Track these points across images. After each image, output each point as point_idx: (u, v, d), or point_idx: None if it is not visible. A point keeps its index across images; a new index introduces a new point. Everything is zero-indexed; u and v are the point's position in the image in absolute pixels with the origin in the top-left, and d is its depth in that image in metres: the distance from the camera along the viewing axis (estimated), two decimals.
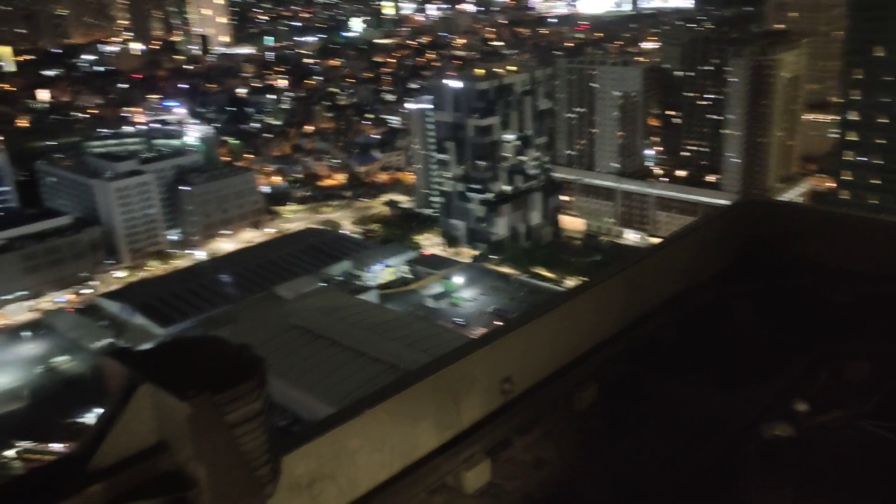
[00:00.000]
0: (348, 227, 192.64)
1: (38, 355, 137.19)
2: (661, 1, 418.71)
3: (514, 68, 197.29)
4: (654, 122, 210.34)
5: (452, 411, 11.61)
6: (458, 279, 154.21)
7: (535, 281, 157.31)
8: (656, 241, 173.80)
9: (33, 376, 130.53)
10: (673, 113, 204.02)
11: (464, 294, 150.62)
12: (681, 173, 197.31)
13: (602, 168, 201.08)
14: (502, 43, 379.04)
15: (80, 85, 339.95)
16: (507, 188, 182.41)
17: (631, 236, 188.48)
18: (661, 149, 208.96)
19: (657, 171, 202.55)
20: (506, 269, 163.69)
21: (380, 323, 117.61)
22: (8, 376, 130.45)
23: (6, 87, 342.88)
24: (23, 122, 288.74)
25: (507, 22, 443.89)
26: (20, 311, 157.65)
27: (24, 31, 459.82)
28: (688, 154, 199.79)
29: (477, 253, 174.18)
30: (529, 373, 12.99)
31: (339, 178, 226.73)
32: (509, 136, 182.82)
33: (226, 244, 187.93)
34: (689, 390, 13.37)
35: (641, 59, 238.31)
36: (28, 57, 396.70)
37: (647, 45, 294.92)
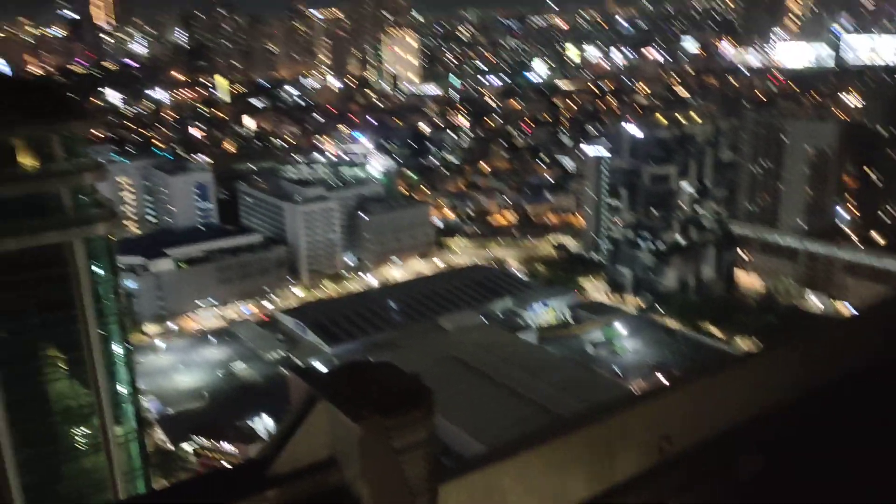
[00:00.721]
0: (514, 266, 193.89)
1: (221, 360, 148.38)
2: (868, 57, 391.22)
3: (698, 118, 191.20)
4: (848, 182, 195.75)
5: (606, 464, 11.54)
6: (620, 328, 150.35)
7: (702, 338, 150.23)
8: (842, 307, 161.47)
9: (214, 379, 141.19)
10: (872, 173, 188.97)
11: (625, 344, 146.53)
12: (877, 237, 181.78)
13: (785, 226, 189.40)
14: (687, 92, 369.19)
15: (282, 115, 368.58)
16: (680, 239, 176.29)
17: (813, 301, 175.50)
18: (855, 210, 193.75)
19: (849, 233, 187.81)
20: (672, 323, 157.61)
21: (536, 364, 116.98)
22: (193, 376, 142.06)
23: (220, 114, 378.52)
24: (230, 147, 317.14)
25: (694, 71, 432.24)
26: (210, 318, 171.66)
27: (240, 64, 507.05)
28: (886, 218, 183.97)
29: (642, 303, 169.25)
30: (690, 433, 12.64)
31: (510, 217, 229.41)
32: (686, 187, 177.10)
33: (396, 272, 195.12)
34: (868, 469, 12.45)
35: (839, 114, 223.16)
36: (240, 88, 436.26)
37: (848, 101, 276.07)
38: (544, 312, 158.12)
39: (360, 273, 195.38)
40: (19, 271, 52.80)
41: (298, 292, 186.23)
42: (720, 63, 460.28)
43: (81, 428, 59.05)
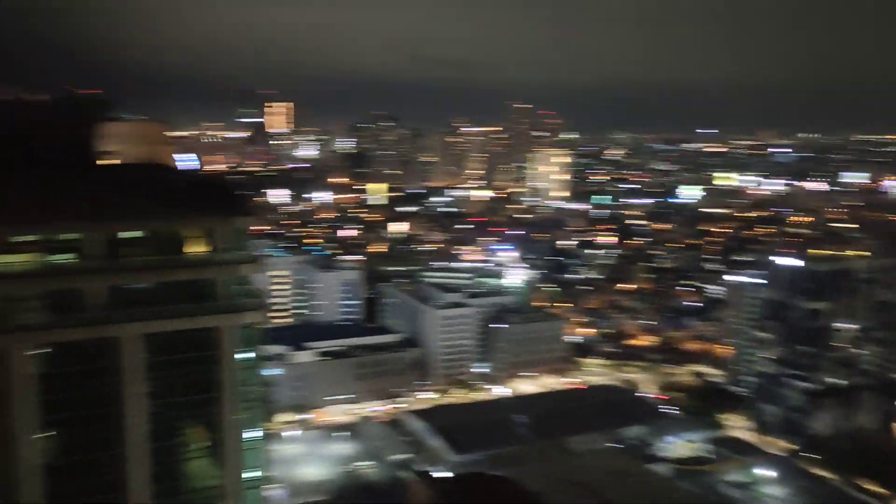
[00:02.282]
0: (649, 391, 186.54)
1: (346, 456, 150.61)
2: None
3: (856, 253, 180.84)
4: None
5: None
6: (763, 471, 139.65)
7: (857, 494, 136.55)
8: None
9: (338, 474, 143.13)
10: None
11: (769, 489, 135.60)
12: None
13: None
14: (845, 226, 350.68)
15: (431, 221, 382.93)
16: (835, 381, 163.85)
17: None
18: None
19: None
20: (822, 472, 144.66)
21: (668, 500, 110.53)
22: (317, 469, 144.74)
23: (373, 217, 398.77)
24: (381, 248, 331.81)
25: (854, 205, 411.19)
26: (340, 413, 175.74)
27: (396, 172, 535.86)
28: None
29: (790, 446, 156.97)
30: None
31: (648, 340, 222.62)
32: (843, 325, 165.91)
33: (526, 385, 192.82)
34: None
35: None
36: (396, 194, 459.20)
37: None
38: (680, 445, 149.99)
39: (490, 383, 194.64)
40: (173, 351, 57.50)
41: (428, 396, 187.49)
42: (883, 198, 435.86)
43: None
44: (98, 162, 63.88)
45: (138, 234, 56.25)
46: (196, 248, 57.33)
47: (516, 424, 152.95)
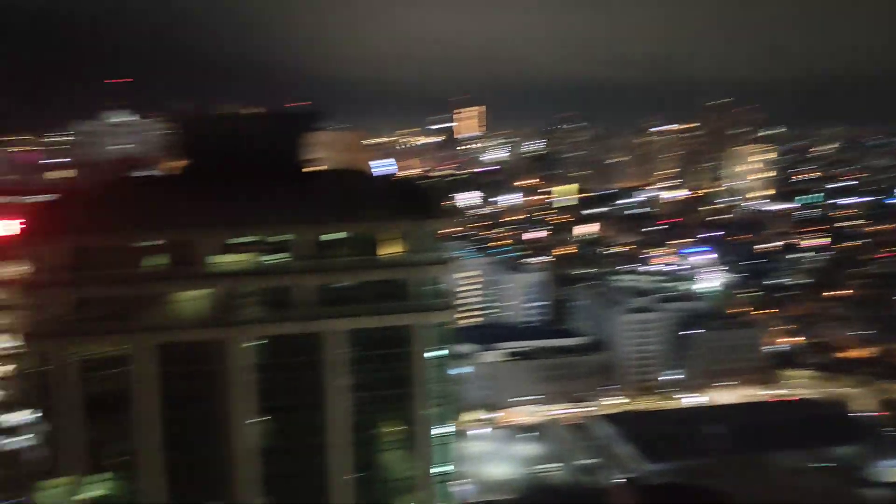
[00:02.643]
0: (864, 408, 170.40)
1: (532, 457, 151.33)
2: None
3: None
4: None
5: None
6: None
7: None
8: None
9: (524, 475, 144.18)
10: None
11: None
12: None
13: None
14: None
15: (622, 223, 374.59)
16: None
17: None
18: None
19: None
20: None
21: None
22: (504, 468, 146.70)
23: (562, 218, 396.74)
24: (569, 249, 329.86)
25: None
26: (527, 414, 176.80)
27: (587, 173, 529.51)
28: None
29: None
30: None
31: (863, 352, 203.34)
32: None
33: (720, 395, 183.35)
34: None
35: None
36: (585, 195, 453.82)
37: None
38: None
39: (680, 391, 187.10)
40: (371, 347, 61.02)
41: (615, 401, 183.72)
42: None
43: (404, 499, 64.71)
44: (306, 169, 69.12)
45: (341, 235, 60.30)
46: (393, 250, 60.47)
47: (710, 436, 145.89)
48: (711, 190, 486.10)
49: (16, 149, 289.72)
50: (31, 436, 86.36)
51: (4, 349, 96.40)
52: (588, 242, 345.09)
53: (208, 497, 60.59)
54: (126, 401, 57.21)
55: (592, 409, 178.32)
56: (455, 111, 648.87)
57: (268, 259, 59.28)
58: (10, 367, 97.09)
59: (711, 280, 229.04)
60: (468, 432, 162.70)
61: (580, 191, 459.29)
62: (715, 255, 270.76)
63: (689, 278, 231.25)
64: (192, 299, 58.38)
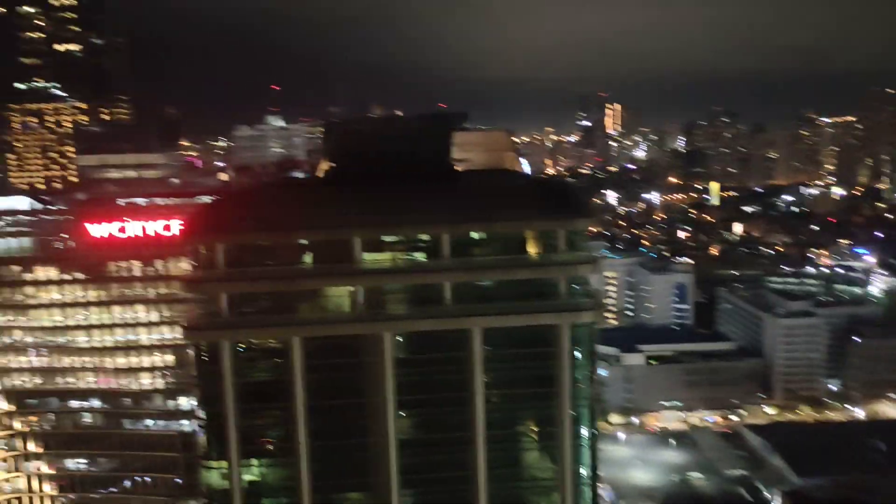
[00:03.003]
0: None
1: (677, 464, 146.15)
2: None
3: None
4: None
5: None
6: None
7: None
8: None
9: (667, 482, 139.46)
10: None
11: None
12: None
13: None
14: None
15: (773, 223, 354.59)
16: None
17: None
18: None
19: None
20: None
21: None
22: (646, 474, 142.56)
23: (708, 218, 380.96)
24: (714, 251, 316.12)
25: None
26: (671, 419, 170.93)
27: (734, 171, 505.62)
28: None
29: None
30: None
31: None
32: None
33: (882, 408, 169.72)
34: None
35: None
36: (731, 193, 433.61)
37: None
38: None
39: (844, 402, 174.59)
40: (514, 346, 60.83)
41: (769, 411, 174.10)
42: None
43: (542, 499, 64.10)
44: (453, 169, 69.84)
45: (488, 234, 60.45)
46: (538, 249, 59.94)
47: (871, 450, 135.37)
48: (878, 186, 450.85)
49: (183, 153, 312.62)
50: (195, 421, 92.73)
51: (169, 340, 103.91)
52: (736, 243, 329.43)
53: (353, 484, 62.62)
54: (279, 391, 59.94)
55: (740, 417, 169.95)
56: (596, 109, 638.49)
57: (416, 257, 60.34)
58: (173, 357, 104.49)
59: (874, 284, 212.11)
60: (609, 436, 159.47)
61: (728, 188, 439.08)
62: (878, 257, 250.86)
63: (853, 281, 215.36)
64: (342, 295, 60.35)
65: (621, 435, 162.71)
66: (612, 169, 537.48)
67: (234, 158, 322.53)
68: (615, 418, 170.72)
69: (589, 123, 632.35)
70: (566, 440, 61.11)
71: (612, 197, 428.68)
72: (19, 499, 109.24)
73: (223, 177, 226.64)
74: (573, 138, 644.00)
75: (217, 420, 60.17)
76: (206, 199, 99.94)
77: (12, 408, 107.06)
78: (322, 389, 59.83)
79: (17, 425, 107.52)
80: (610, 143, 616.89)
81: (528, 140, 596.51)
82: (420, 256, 60.53)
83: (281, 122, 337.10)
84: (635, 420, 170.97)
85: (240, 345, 60.22)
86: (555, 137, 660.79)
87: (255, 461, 61.71)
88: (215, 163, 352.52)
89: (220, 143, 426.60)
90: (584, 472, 62.87)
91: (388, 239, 60.63)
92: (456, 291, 59.26)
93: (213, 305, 59.67)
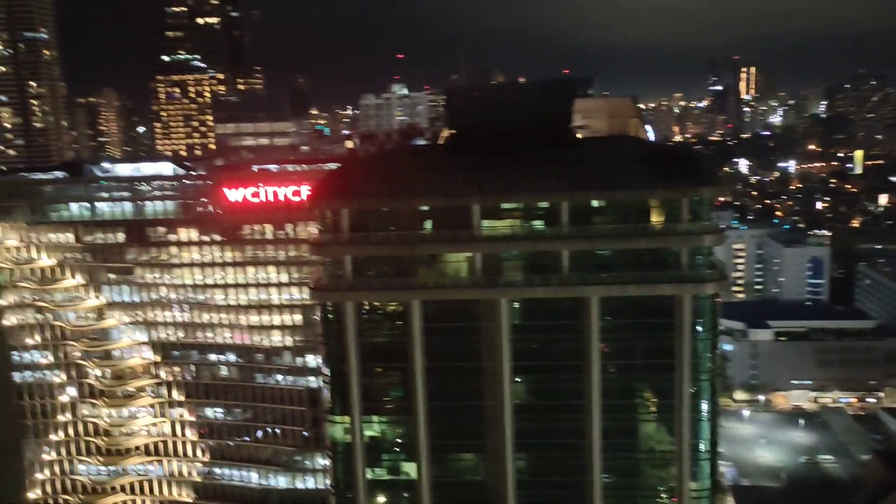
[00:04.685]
0: None
1: (805, 445, 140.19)
2: None
3: None
4: None
5: None
6: None
7: None
8: None
9: (795, 462, 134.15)
10: None
11: None
12: None
13: None
14: None
15: None
16: None
17: None
18: None
19: None
20: None
21: None
22: (773, 454, 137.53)
23: (849, 188, 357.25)
24: (855, 223, 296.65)
25: None
26: (801, 398, 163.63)
27: (880, 137, 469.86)
28: None
29: None
30: None
31: None
32: None
33: None
34: None
35: None
36: (877, 162, 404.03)
37: None
38: None
39: None
40: (634, 316, 60.06)
41: None
42: None
43: (659, 472, 63.43)
44: (574, 136, 69.12)
45: (609, 202, 59.71)
46: (660, 217, 58.65)
47: None
48: None
49: (312, 122, 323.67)
50: (321, 377, 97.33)
51: (297, 300, 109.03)
52: (880, 215, 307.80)
53: (468, 445, 64.26)
54: (399, 352, 62.08)
55: (878, 399, 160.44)
56: (728, 73, 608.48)
57: (534, 225, 60.49)
58: (301, 317, 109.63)
59: None
60: (732, 412, 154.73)
61: (872, 157, 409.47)
62: None
63: None
64: (460, 261, 61.47)
65: (746, 412, 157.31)
66: (745, 136, 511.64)
67: (360, 126, 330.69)
68: (739, 395, 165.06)
69: (720, 88, 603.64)
70: (685, 414, 60.13)
71: (743, 165, 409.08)
72: (165, 442, 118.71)
73: (349, 144, 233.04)
74: (703, 104, 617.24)
75: (341, 377, 63.15)
76: (333, 165, 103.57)
77: (158, 358, 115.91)
78: (440, 352, 61.49)
79: (163, 375, 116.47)
80: (743, 108, 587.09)
81: (654, 106, 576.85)
82: (539, 224, 60.59)
83: (405, 91, 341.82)
84: (761, 398, 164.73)
85: (363, 306, 62.69)
86: (683, 103, 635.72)
87: (375, 418, 64.39)
88: (342, 131, 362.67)
89: (347, 112, 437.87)
90: (702, 446, 61.75)
91: (506, 206, 61.01)
92: (574, 260, 59.08)
93: (338, 268, 62.29)
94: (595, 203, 59.93)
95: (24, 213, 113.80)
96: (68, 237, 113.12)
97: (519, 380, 61.63)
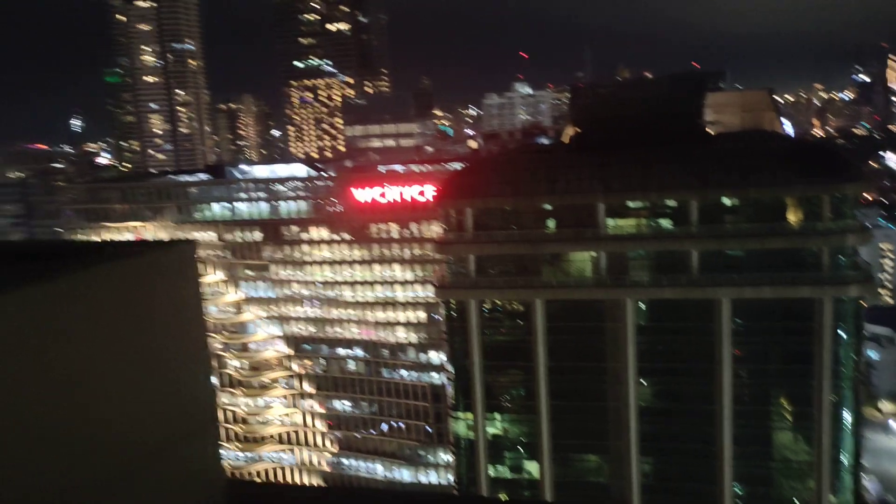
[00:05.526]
0: None
1: None
2: None
3: None
4: None
5: None
6: None
7: None
8: None
9: None
10: None
11: None
12: None
13: None
14: None
15: None
16: None
17: None
18: None
19: None
20: None
21: None
22: None
23: None
24: None
25: None
26: None
27: None
28: None
29: None
30: None
31: None
32: None
33: None
34: None
35: None
36: None
37: None
38: None
39: None
40: (769, 319, 57.43)
41: None
42: None
43: (795, 484, 60.36)
44: (705, 132, 66.87)
45: (742, 200, 57.42)
46: (799, 216, 55.83)
47: None
48: None
49: (436, 122, 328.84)
50: (444, 374, 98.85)
51: (422, 297, 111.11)
52: None
53: (591, 446, 63.46)
54: (522, 350, 62.19)
55: None
56: (875, 61, 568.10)
57: (662, 223, 59.07)
58: (425, 314, 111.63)
59: None
60: (878, 424, 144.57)
61: None
62: None
63: None
64: (585, 260, 60.87)
65: (893, 424, 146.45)
66: (893, 128, 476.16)
67: (483, 126, 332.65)
68: (887, 406, 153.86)
69: (866, 78, 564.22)
70: (825, 423, 57.01)
71: (891, 160, 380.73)
72: (297, 432, 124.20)
73: (472, 144, 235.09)
74: (847, 95, 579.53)
75: (464, 374, 64.01)
76: (457, 165, 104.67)
77: (291, 352, 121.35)
78: (563, 351, 61.17)
79: (295, 367, 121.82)
80: (891, 98, 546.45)
81: (792, 99, 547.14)
82: (666, 223, 59.06)
83: (528, 89, 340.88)
84: None
85: (485, 304, 63.24)
86: (824, 95, 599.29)
87: (498, 416, 64.87)
88: (465, 130, 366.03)
89: (470, 112, 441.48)
90: (844, 458, 58.36)
91: (633, 204, 59.87)
92: (704, 260, 57.23)
93: (461, 266, 63.17)
94: (727, 201, 57.80)
95: (172, 213, 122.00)
96: (211, 235, 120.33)
97: (644, 382, 60.35)
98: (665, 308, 59.68)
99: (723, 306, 56.72)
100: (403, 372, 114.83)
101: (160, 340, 5.85)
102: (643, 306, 59.73)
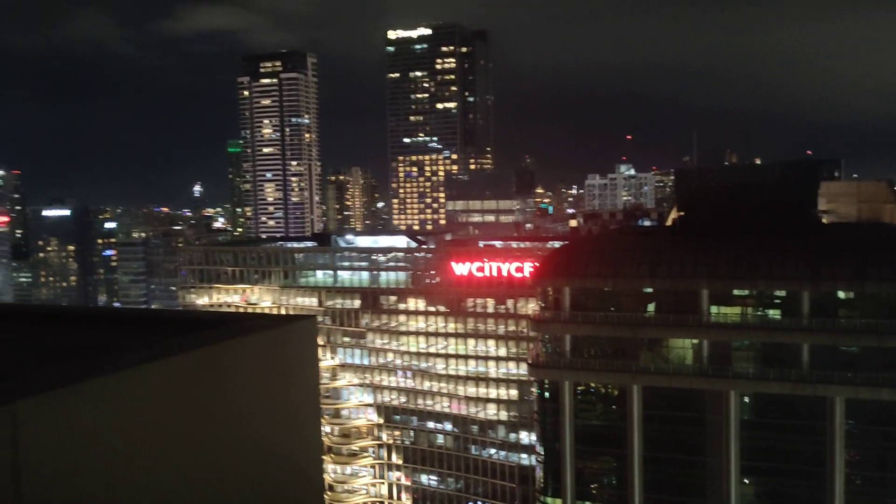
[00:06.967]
0: None
1: None
2: None
3: None
4: None
5: None
6: None
7: None
8: None
9: None
10: None
11: None
12: None
13: None
14: None
15: None
16: None
17: None
18: None
19: None
20: None
21: None
22: None
23: None
24: None
25: None
26: None
27: None
28: None
29: None
30: None
31: None
32: None
33: None
34: None
35: None
36: None
37: None
38: None
39: None
40: (887, 423, 53.60)
41: None
42: None
43: None
44: (817, 221, 64.52)
45: (854, 293, 54.61)
46: None
47: None
48: None
49: (536, 200, 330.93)
50: (533, 455, 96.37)
51: (514, 375, 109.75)
52: None
53: None
54: (616, 437, 60.10)
55: None
56: None
57: (769, 314, 56.74)
58: (517, 392, 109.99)
59: None
60: None
61: None
62: None
63: None
64: (686, 347, 58.91)
65: None
66: None
67: (584, 205, 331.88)
68: None
69: None
70: None
71: None
72: (381, 503, 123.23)
73: (572, 223, 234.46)
74: None
75: (554, 457, 62.28)
76: (556, 243, 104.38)
77: (381, 421, 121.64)
78: (660, 441, 58.76)
79: (385, 437, 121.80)
80: None
81: None
82: (775, 313, 56.67)
83: (631, 171, 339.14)
84: None
85: (580, 386, 61.84)
86: None
87: None
88: (566, 209, 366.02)
89: (572, 191, 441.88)
90: None
91: (739, 292, 57.90)
92: (815, 354, 54.34)
93: (557, 345, 62.27)
94: (841, 294, 55.07)
95: (278, 277, 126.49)
96: (312, 301, 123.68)
97: (748, 481, 56.99)
98: (772, 403, 56.70)
99: (836, 405, 53.39)
100: (492, 450, 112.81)
101: (282, 413, 6.06)
102: (747, 399, 56.95)
